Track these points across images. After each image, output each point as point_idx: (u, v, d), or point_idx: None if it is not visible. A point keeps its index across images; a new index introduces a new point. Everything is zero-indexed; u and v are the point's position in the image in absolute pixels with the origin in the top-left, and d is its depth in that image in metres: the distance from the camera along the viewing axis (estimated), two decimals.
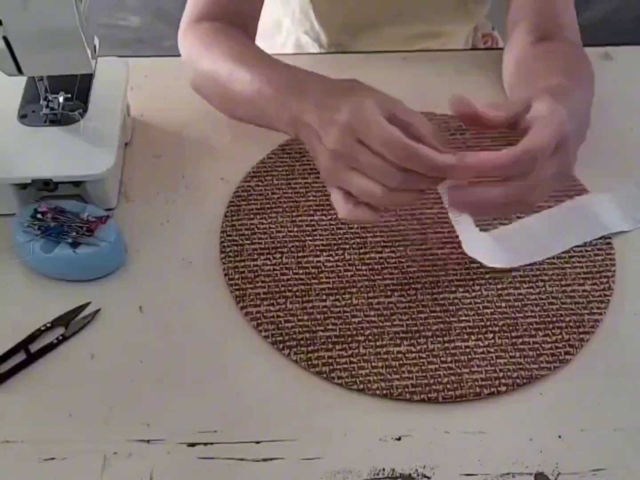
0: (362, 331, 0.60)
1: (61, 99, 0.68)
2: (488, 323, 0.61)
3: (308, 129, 0.58)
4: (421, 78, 0.82)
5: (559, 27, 0.76)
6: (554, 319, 0.61)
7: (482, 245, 0.64)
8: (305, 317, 0.61)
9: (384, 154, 0.51)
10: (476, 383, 0.57)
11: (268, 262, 0.65)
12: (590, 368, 0.59)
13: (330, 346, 0.59)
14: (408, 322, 0.61)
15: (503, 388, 0.57)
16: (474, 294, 0.63)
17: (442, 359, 0.59)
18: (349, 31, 0.90)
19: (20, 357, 0.59)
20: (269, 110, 0.63)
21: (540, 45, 0.75)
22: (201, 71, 0.72)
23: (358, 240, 0.67)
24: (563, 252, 0.66)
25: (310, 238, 0.67)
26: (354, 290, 0.63)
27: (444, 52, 0.89)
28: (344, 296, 0.63)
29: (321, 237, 0.67)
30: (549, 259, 0.65)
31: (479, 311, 0.62)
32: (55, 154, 0.66)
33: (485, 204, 0.54)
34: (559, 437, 0.55)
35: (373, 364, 0.58)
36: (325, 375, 0.58)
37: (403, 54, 0.86)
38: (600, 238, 0.67)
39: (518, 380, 0.57)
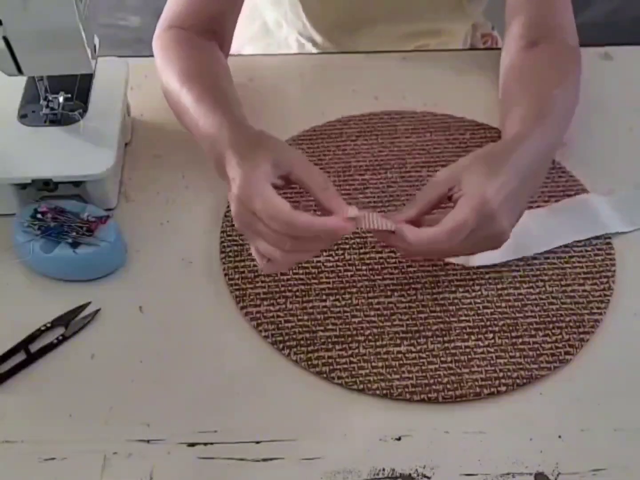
0: (362, 331, 0.61)
1: (61, 99, 0.68)
2: (488, 323, 0.61)
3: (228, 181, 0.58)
4: (421, 78, 0.82)
5: (551, 28, 0.76)
6: (554, 319, 0.61)
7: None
8: (305, 317, 0.61)
9: (271, 226, 0.53)
10: (476, 383, 0.57)
11: None
12: (590, 368, 0.59)
13: (330, 346, 0.59)
14: (408, 322, 0.61)
15: (503, 388, 0.57)
16: (474, 294, 0.63)
17: (442, 359, 0.59)
18: (341, 30, 0.90)
19: (20, 357, 0.59)
20: (201, 145, 0.64)
21: (528, 53, 0.75)
22: (161, 83, 0.72)
23: (358, 240, 0.67)
24: (563, 252, 0.66)
25: None
26: (354, 290, 0.63)
27: (444, 52, 0.89)
28: (344, 296, 0.63)
29: None
30: (548, 259, 0.65)
31: (479, 311, 0.62)
32: (55, 154, 0.66)
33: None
34: (559, 437, 0.55)
35: (373, 364, 0.58)
36: (325, 375, 0.58)
37: (403, 53, 0.86)
38: (600, 238, 0.67)
39: (518, 380, 0.57)
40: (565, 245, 0.66)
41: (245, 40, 0.98)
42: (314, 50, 0.92)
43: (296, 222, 0.52)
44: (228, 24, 0.77)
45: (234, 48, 0.99)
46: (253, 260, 0.64)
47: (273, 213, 0.52)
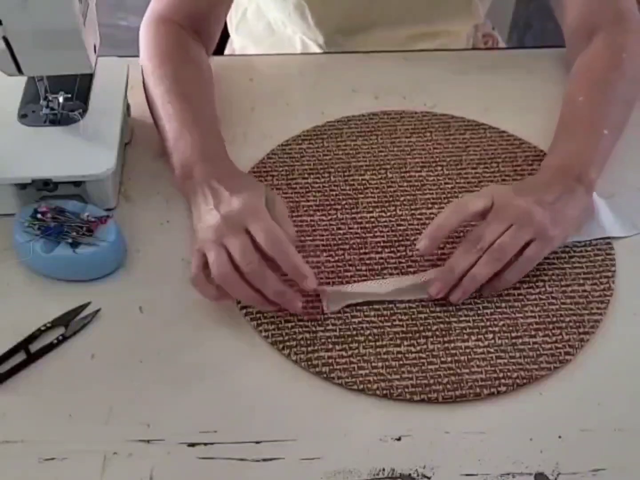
0: (362, 331, 0.60)
1: (61, 99, 0.68)
2: (488, 323, 0.61)
3: (202, 195, 0.63)
4: (422, 78, 0.82)
5: (611, 15, 0.77)
6: (554, 319, 0.61)
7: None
8: (305, 317, 0.61)
9: (261, 242, 0.57)
10: (476, 383, 0.57)
11: None
12: (590, 368, 0.59)
13: (330, 346, 0.59)
14: (408, 323, 0.61)
15: (503, 388, 0.57)
16: (473, 294, 0.63)
17: (442, 359, 0.59)
18: (345, 32, 0.90)
19: (20, 357, 0.59)
20: (173, 156, 0.67)
21: (586, 47, 0.77)
22: (144, 79, 0.74)
23: (358, 240, 0.67)
24: (563, 253, 0.66)
25: (310, 238, 0.67)
26: None
27: (444, 52, 0.89)
28: None
29: (321, 237, 0.67)
30: (548, 259, 0.65)
31: (479, 311, 0.62)
32: (55, 154, 0.66)
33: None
34: (559, 437, 0.55)
35: (373, 364, 0.58)
36: (325, 376, 0.58)
37: (404, 53, 0.86)
38: (600, 239, 0.67)
39: (518, 381, 0.57)
40: (565, 246, 0.66)
41: (250, 40, 0.98)
42: (318, 51, 0.92)
43: (292, 251, 0.57)
44: (214, 22, 0.79)
45: (238, 48, 0.99)
46: None
47: (277, 233, 0.57)
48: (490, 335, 0.60)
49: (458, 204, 0.63)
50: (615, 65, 0.74)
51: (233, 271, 0.57)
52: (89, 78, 0.71)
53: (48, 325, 0.60)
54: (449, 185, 0.71)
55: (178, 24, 0.75)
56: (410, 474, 0.53)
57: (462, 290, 0.61)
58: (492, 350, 0.59)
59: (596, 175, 0.67)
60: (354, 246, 0.66)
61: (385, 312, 0.62)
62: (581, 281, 0.64)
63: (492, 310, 0.62)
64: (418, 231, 0.67)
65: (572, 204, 0.64)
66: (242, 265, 0.57)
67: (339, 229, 0.68)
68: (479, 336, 0.60)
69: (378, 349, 0.59)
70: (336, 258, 0.65)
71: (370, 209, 0.69)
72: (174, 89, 0.70)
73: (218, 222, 0.59)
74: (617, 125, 0.72)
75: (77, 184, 0.66)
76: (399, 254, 0.66)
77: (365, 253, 0.66)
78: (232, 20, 0.99)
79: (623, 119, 0.73)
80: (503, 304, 0.62)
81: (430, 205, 0.70)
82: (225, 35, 1.03)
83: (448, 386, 0.57)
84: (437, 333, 0.60)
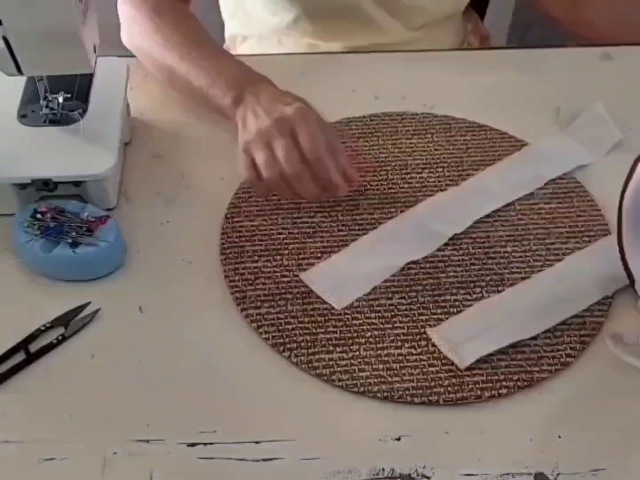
0: (362, 333, 0.60)
1: (61, 99, 0.68)
2: None
3: (250, 108, 0.67)
4: (421, 78, 0.82)
5: None
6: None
7: None
8: (306, 319, 0.61)
9: (304, 145, 0.62)
10: (477, 386, 0.57)
11: (268, 264, 0.65)
12: (591, 370, 0.59)
13: (330, 348, 0.59)
14: (409, 324, 0.61)
15: (504, 391, 0.57)
16: (474, 296, 0.63)
17: (443, 361, 0.59)
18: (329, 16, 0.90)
19: (20, 357, 0.59)
20: (212, 90, 0.70)
21: None
22: (144, 41, 0.76)
23: None
24: (563, 254, 0.66)
25: (311, 240, 0.67)
26: None
27: (444, 52, 0.89)
28: None
29: (322, 239, 0.67)
30: (549, 260, 0.65)
31: None
32: (55, 154, 0.66)
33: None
34: (559, 437, 0.55)
35: (374, 366, 0.58)
36: (325, 378, 0.58)
37: (404, 53, 0.86)
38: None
39: (519, 383, 0.57)
40: (567, 248, 0.66)
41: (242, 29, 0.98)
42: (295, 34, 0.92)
43: (328, 159, 0.62)
44: None
45: (228, 36, 0.99)
46: (254, 261, 0.65)
47: (320, 141, 0.62)
48: None
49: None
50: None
51: (280, 173, 0.62)
52: (88, 78, 0.71)
53: (48, 325, 0.60)
54: (451, 187, 0.71)
55: None
56: (410, 474, 0.53)
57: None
58: (493, 352, 0.59)
59: None
60: None
61: (386, 314, 0.62)
62: None
63: None
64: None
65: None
66: (286, 166, 0.62)
67: (340, 230, 0.68)
68: None
69: (379, 351, 0.59)
70: None
71: (371, 211, 0.69)
72: (188, 37, 0.74)
73: (269, 125, 0.63)
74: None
75: (77, 184, 0.66)
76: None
77: None
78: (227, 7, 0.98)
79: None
80: None
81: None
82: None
83: (449, 389, 0.57)
84: None
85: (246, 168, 0.64)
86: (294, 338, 0.60)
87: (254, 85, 0.69)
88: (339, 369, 0.58)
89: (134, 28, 0.77)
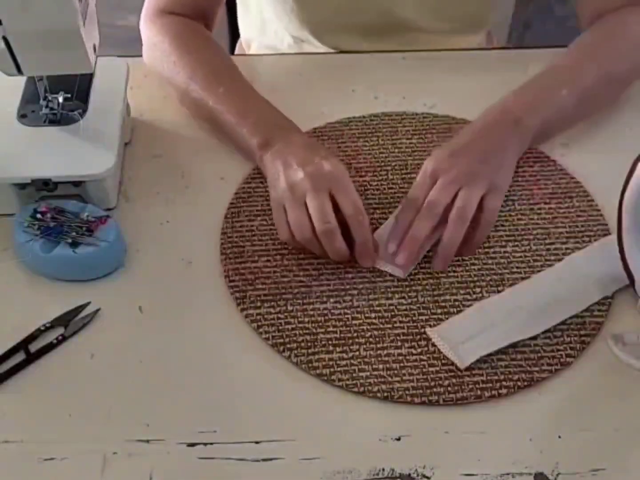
0: (362, 333, 0.60)
1: (61, 99, 0.68)
2: None
3: (281, 156, 0.66)
4: (421, 78, 0.82)
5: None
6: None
7: None
8: (306, 319, 0.61)
9: (345, 208, 0.61)
10: (477, 386, 0.57)
11: (268, 264, 0.65)
12: (591, 369, 0.59)
13: (330, 348, 0.59)
14: (409, 324, 0.61)
15: (504, 391, 0.57)
16: (475, 296, 0.63)
17: (443, 361, 0.59)
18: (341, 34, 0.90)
19: (20, 357, 0.59)
20: (240, 128, 0.70)
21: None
22: (167, 69, 0.75)
23: None
24: (564, 255, 0.66)
25: None
26: (355, 292, 0.63)
27: (444, 52, 0.89)
28: (344, 298, 0.63)
29: None
30: (549, 261, 0.65)
31: None
32: (55, 154, 0.66)
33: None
34: (559, 437, 0.55)
35: (374, 366, 0.58)
36: (325, 378, 0.58)
37: (403, 53, 0.86)
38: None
39: (519, 383, 0.57)
40: (567, 248, 0.66)
41: (252, 32, 0.98)
42: (305, 47, 0.92)
43: (367, 225, 0.62)
44: (215, 14, 0.82)
45: (244, 39, 0.99)
46: (254, 261, 0.65)
47: (360, 205, 0.62)
48: None
49: (409, 204, 0.64)
50: (607, 36, 0.74)
51: (312, 233, 0.61)
52: (88, 78, 0.71)
53: (48, 325, 0.60)
54: None
55: (182, 15, 0.77)
56: (409, 474, 0.53)
57: (441, 258, 0.62)
58: (493, 352, 0.59)
59: (535, 122, 0.69)
60: None
61: (386, 314, 0.62)
62: None
63: None
64: None
65: (511, 148, 0.67)
66: (318, 223, 0.60)
67: None
68: None
69: (379, 351, 0.59)
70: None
71: (371, 211, 0.69)
72: (215, 73, 0.73)
73: (303, 179, 0.62)
74: (584, 91, 0.72)
75: (76, 183, 0.66)
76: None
77: None
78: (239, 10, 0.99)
79: (598, 88, 0.72)
80: None
81: None
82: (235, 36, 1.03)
83: (449, 389, 0.57)
84: None
85: (280, 226, 0.64)
86: (294, 338, 0.60)
87: (284, 130, 0.68)
88: (339, 369, 0.58)
89: (157, 53, 0.76)
